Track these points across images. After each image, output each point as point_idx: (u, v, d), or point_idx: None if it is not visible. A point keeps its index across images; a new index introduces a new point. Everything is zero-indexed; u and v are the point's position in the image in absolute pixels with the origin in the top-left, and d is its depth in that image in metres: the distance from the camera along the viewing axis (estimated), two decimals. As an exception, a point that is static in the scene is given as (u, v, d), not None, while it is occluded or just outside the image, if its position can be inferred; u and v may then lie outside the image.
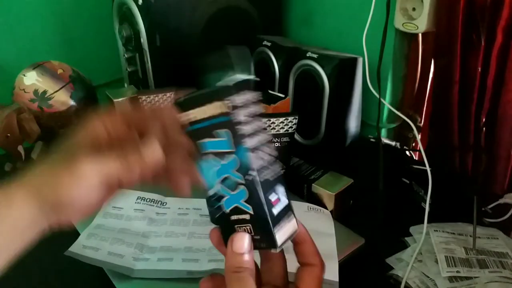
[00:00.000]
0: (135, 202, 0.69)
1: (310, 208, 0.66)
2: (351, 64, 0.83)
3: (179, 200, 0.69)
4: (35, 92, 0.79)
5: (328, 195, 0.67)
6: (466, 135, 0.76)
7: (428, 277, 0.55)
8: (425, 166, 0.67)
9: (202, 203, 0.66)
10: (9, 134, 0.75)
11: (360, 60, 0.83)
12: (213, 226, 0.34)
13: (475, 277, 0.54)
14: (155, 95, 0.80)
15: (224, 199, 0.32)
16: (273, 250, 0.32)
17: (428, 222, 0.62)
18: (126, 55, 0.93)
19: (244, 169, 0.31)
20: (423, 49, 0.83)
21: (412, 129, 0.74)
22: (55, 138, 0.82)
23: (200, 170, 0.33)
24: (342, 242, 0.59)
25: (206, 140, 0.32)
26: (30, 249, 0.34)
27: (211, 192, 0.33)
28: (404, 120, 0.76)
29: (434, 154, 0.79)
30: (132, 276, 0.55)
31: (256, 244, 0.33)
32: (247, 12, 0.95)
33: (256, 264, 0.35)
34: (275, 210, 0.32)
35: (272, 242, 0.32)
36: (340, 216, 0.68)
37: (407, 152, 0.88)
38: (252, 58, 0.34)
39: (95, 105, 0.88)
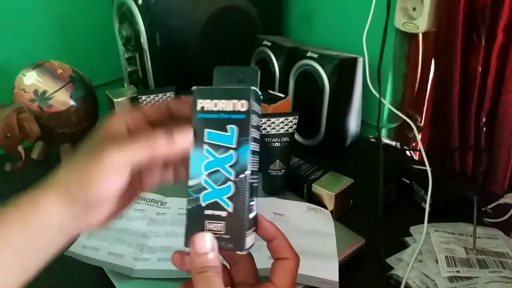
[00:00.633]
0: (135, 202, 0.68)
1: (310, 208, 0.66)
2: (351, 64, 0.83)
3: (179, 200, 0.69)
4: (35, 92, 0.79)
5: (328, 195, 0.67)
6: (466, 135, 0.76)
7: (428, 277, 0.55)
8: (425, 166, 0.67)
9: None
10: (9, 134, 0.75)
11: (360, 60, 0.84)
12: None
13: (475, 277, 0.54)
14: (155, 95, 0.80)
15: (205, 192, 0.33)
16: (238, 252, 0.33)
17: (428, 222, 0.62)
18: (126, 55, 0.93)
19: (239, 167, 0.32)
20: (423, 49, 0.83)
21: (412, 129, 0.74)
22: (55, 138, 0.83)
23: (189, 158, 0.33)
24: (342, 242, 0.59)
25: (211, 130, 0.33)
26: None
27: (192, 182, 0.33)
28: (404, 120, 0.76)
29: (434, 154, 0.79)
30: (132, 276, 0.55)
31: (222, 244, 0.33)
32: (247, 12, 0.95)
33: (224, 265, 0.36)
34: (250, 215, 0.33)
35: (241, 244, 0.32)
36: (340, 216, 0.68)
37: (407, 152, 0.88)
38: (260, 78, 0.36)
39: (95, 105, 0.88)
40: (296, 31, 1.08)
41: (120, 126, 0.35)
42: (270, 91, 0.83)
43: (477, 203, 0.63)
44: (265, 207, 0.66)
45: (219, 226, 0.32)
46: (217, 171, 0.33)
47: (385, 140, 0.87)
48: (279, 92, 0.87)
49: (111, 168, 0.31)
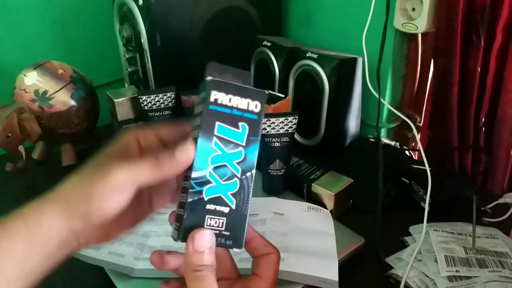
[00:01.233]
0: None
1: (310, 208, 0.66)
2: (351, 64, 0.83)
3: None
4: (36, 92, 0.79)
5: (328, 195, 0.67)
6: (465, 135, 0.76)
7: (428, 276, 0.55)
8: (424, 165, 0.67)
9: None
10: (9, 134, 0.75)
11: (359, 60, 0.84)
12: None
13: (475, 277, 0.54)
14: (155, 95, 0.81)
15: (209, 185, 0.32)
16: (235, 249, 0.33)
17: (428, 221, 0.63)
18: (126, 55, 0.94)
19: (246, 165, 0.33)
20: (422, 49, 0.83)
21: (412, 129, 0.74)
22: (56, 138, 0.83)
23: (195, 148, 0.32)
24: (342, 242, 0.59)
25: (222, 124, 0.32)
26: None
27: (195, 174, 0.32)
28: (404, 120, 0.76)
29: (434, 153, 0.79)
30: (133, 275, 0.55)
31: (220, 241, 0.32)
32: (247, 12, 0.95)
33: None
34: (249, 214, 0.33)
35: (240, 241, 0.33)
36: (340, 215, 0.68)
37: (407, 152, 0.88)
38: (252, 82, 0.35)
39: (96, 105, 0.88)
40: (295, 31, 1.08)
41: (132, 144, 0.35)
42: (270, 91, 0.83)
43: (476, 203, 0.63)
44: (265, 206, 0.66)
45: (220, 222, 0.32)
46: (224, 166, 0.32)
47: (385, 140, 0.87)
48: (279, 92, 0.87)
49: (115, 186, 0.31)
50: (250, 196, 0.33)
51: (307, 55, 0.83)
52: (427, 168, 0.66)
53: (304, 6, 1.04)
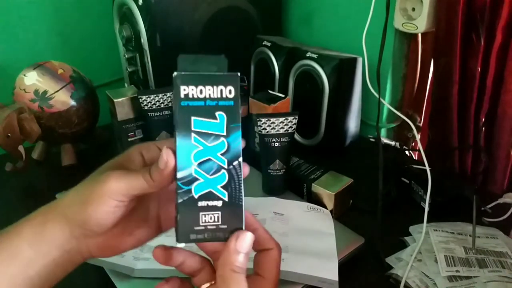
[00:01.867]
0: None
1: (310, 208, 0.66)
2: (351, 64, 0.83)
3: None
4: (36, 92, 0.79)
5: (328, 195, 0.67)
6: (465, 135, 0.76)
7: (428, 276, 0.55)
8: (424, 165, 0.67)
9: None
10: (9, 134, 0.75)
11: (359, 60, 0.84)
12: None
13: (475, 277, 0.54)
14: (155, 95, 0.80)
15: (197, 182, 0.31)
16: None
17: (428, 221, 0.63)
18: (126, 55, 0.93)
19: (232, 155, 0.32)
20: (422, 49, 0.83)
21: (412, 129, 0.74)
22: (56, 138, 0.83)
23: (175, 149, 0.31)
24: (342, 242, 0.59)
25: (198, 118, 0.31)
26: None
27: (180, 174, 0.31)
28: (404, 120, 0.76)
29: (434, 153, 0.79)
30: (133, 275, 0.55)
31: (219, 235, 0.32)
32: (247, 12, 0.95)
33: (207, 260, 0.36)
34: (244, 204, 0.32)
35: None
36: (340, 215, 0.68)
37: (407, 152, 0.88)
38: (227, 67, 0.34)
39: (96, 105, 0.88)
40: (295, 31, 1.08)
41: (135, 157, 0.36)
42: (270, 91, 0.83)
43: (476, 203, 0.63)
44: (265, 206, 0.66)
45: (215, 216, 0.32)
46: (209, 160, 0.31)
47: (385, 140, 0.87)
48: (278, 92, 0.87)
49: (107, 192, 0.32)
50: (242, 185, 0.32)
51: (307, 55, 0.83)
52: (427, 168, 0.66)
53: (304, 6, 1.04)
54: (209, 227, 0.32)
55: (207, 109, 0.31)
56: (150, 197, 0.38)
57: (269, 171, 0.71)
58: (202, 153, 0.31)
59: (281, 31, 1.08)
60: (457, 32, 0.70)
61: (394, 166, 0.77)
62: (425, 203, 0.67)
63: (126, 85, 1.01)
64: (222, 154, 0.31)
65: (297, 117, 0.69)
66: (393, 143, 0.87)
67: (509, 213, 0.66)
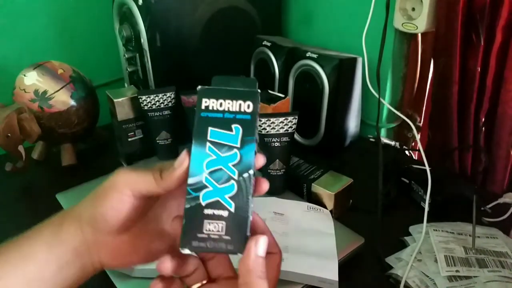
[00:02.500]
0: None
1: (310, 208, 0.66)
2: (351, 64, 0.83)
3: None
4: (36, 92, 0.79)
5: (327, 195, 0.67)
6: (465, 135, 0.76)
7: (428, 276, 0.55)
8: (424, 165, 0.67)
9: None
10: (9, 134, 0.75)
11: (359, 60, 0.84)
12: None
13: (475, 277, 0.54)
14: (155, 95, 0.80)
15: (205, 190, 0.32)
16: (239, 254, 0.32)
17: (428, 221, 0.63)
18: (126, 55, 0.93)
19: (243, 166, 0.32)
20: (422, 49, 0.83)
21: (412, 129, 0.74)
22: (56, 138, 0.83)
23: (189, 155, 0.33)
24: (342, 242, 0.59)
25: (215, 129, 0.33)
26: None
27: (191, 180, 0.32)
28: (404, 120, 0.76)
29: (434, 153, 0.79)
30: (132, 275, 0.55)
31: (221, 246, 0.31)
32: (247, 13, 0.95)
33: (200, 260, 0.36)
34: (251, 216, 0.33)
35: (242, 245, 0.31)
36: (340, 215, 0.68)
37: (407, 152, 0.88)
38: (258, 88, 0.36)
39: (96, 105, 0.88)
40: (295, 31, 1.08)
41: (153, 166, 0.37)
42: (270, 91, 0.83)
43: (476, 203, 0.63)
44: (265, 206, 0.66)
45: (219, 226, 0.32)
46: (220, 169, 0.32)
47: (385, 140, 0.87)
48: (278, 92, 0.87)
49: (116, 185, 0.33)
50: (250, 197, 0.32)
51: (307, 55, 0.83)
52: (427, 168, 0.66)
53: (304, 6, 1.04)
54: (212, 236, 0.32)
55: (224, 121, 0.33)
56: (164, 211, 0.37)
57: (269, 171, 0.71)
58: (214, 162, 0.32)
59: (281, 31, 1.08)
60: (457, 32, 0.70)
61: (394, 166, 0.77)
62: (425, 203, 0.67)
63: (126, 85, 1.01)
64: (233, 165, 0.32)
65: (297, 117, 0.69)
66: (393, 143, 0.87)
67: (509, 213, 0.66)
